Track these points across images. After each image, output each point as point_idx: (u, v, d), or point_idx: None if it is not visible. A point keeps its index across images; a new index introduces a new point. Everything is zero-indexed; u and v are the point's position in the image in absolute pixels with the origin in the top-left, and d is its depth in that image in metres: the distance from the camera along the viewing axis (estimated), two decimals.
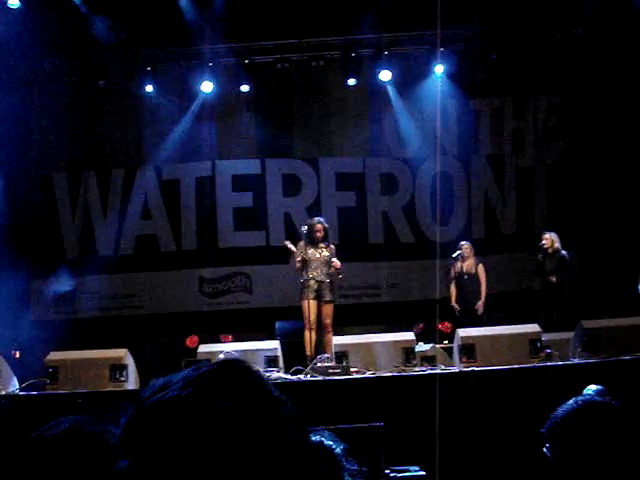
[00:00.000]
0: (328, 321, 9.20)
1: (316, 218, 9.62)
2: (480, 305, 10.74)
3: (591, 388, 5.35)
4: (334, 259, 9.25)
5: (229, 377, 1.00)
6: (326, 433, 1.42)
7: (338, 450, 1.37)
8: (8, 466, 1.59)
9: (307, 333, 9.13)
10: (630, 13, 11.01)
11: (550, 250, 10.46)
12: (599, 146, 12.38)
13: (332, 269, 9.24)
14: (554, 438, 2.01)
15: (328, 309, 9.27)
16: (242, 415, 0.96)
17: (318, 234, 9.26)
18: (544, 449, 2.04)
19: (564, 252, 10.50)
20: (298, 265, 9.29)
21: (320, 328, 9.22)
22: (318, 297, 9.21)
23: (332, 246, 9.48)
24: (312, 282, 9.18)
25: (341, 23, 11.80)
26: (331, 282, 9.33)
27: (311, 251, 9.22)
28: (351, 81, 12.60)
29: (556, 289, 10.41)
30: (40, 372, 7.72)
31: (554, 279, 10.42)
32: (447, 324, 11.82)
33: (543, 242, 10.51)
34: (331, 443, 1.41)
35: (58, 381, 7.44)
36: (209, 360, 7.70)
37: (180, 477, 0.92)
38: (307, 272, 9.20)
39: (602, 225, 12.14)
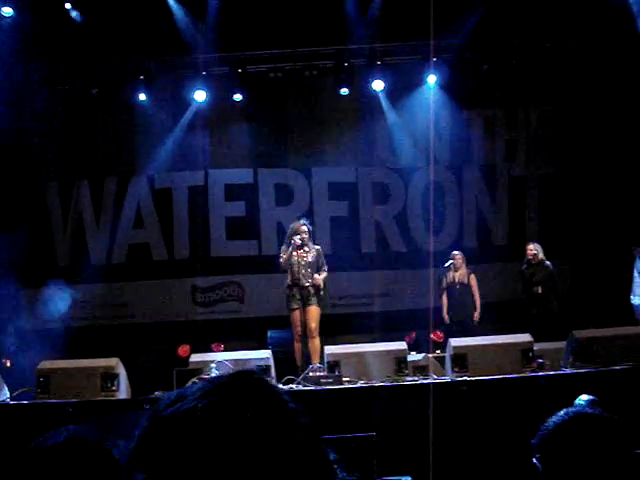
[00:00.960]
0: (314, 325, 8.97)
1: (301, 220, 9.52)
2: (477, 315, 10.76)
3: (582, 398, 5.36)
4: (316, 275, 9.11)
5: (245, 388, 1.00)
6: None
7: None
8: (6, 475, 1.59)
9: (297, 344, 9.07)
10: (621, 24, 11.07)
11: (534, 261, 10.49)
12: (590, 157, 12.43)
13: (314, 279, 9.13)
14: (544, 449, 2.02)
15: (313, 312, 9.05)
16: (261, 425, 0.95)
17: (304, 235, 9.17)
18: (534, 459, 2.05)
19: (548, 262, 10.54)
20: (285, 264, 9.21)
21: (306, 334, 9.09)
22: (304, 304, 9.11)
23: (317, 247, 9.30)
24: (295, 290, 9.09)
25: (334, 33, 11.83)
26: (315, 286, 9.20)
27: (295, 255, 9.12)
28: (344, 91, 12.62)
29: (542, 300, 10.44)
30: (31, 381, 7.69)
31: (540, 290, 10.44)
32: (439, 334, 11.82)
33: (529, 253, 10.54)
34: None
35: (49, 390, 7.41)
36: (200, 369, 7.70)
37: None
38: (290, 278, 9.13)
39: (593, 235, 12.19)
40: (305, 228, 9.21)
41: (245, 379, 1.01)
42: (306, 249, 9.15)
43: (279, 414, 0.98)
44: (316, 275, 9.09)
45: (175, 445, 0.94)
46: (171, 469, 0.93)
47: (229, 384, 0.99)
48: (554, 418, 2.04)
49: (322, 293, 9.22)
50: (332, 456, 1.38)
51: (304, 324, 9.04)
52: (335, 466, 1.09)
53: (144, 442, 0.97)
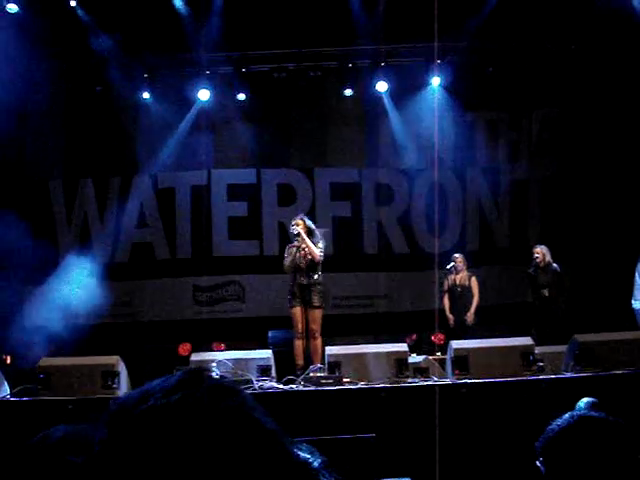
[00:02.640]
0: (315, 327, 8.98)
1: (299, 214, 9.53)
2: (469, 315, 10.74)
3: (584, 401, 5.35)
4: (313, 247, 9.07)
5: (207, 383, 1.01)
6: (304, 445, 1.39)
7: (316, 464, 1.33)
8: (4, 474, 1.59)
9: (297, 342, 9.05)
10: (625, 26, 11.06)
11: (542, 264, 10.46)
12: (594, 160, 12.42)
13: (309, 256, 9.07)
14: (548, 452, 2.01)
15: (315, 314, 9.06)
16: (240, 416, 0.97)
17: (296, 227, 9.16)
18: (537, 462, 2.04)
19: (555, 265, 10.51)
20: (289, 264, 9.15)
21: (307, 335, 9.10)
22: (305, 302, 9.09)
23: (320, 244, 9.23)
24: (296, 289, 9.09)
25: (339, 34, 11.84)
26: (318, 285, 9.16)
27: (298, 255, 9.10)
28: (348, 91, 12.65)
29: (549, 302, 10.41)
30: (32, 378, 7.69)
31: (547, 293, 10.42)
32: (440, 336, 11.82)
33: (535, 256, 10.51)
34: (308, 456, 1.37)
35: (50, 387, 7.41)
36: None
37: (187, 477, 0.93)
38: (292, 277, 9.12)
39: (595, 239, 12.18)
40: (301, 221, 9.19)
41: (199, 374, 1.03)
42: (303, 246, 9.08)
43: (247, 404, 1.00)
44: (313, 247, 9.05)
45: (155, 438, 0.94)
46: (153, 461, 0.93)
47: (188, 381, 1.01)
48: (559, 421, 2.03)
49: (321, 287, 9.18)
50: (318, 460, 1.37)
51: (306, 323, 9.04)
52: (318, 473, 1.10)
53: (118, 440, 0.97)
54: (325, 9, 11.39)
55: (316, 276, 9.12)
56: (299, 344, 9.03)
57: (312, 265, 9.10)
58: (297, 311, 9.06)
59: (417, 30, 11.64)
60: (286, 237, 11.34)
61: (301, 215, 9.45)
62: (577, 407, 5.03)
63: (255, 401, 1.03)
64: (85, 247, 12.70)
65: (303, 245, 9.08)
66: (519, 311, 11.68)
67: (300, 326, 9.03)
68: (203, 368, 1.07)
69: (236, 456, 0.94)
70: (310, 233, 9.19)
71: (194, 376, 1.02)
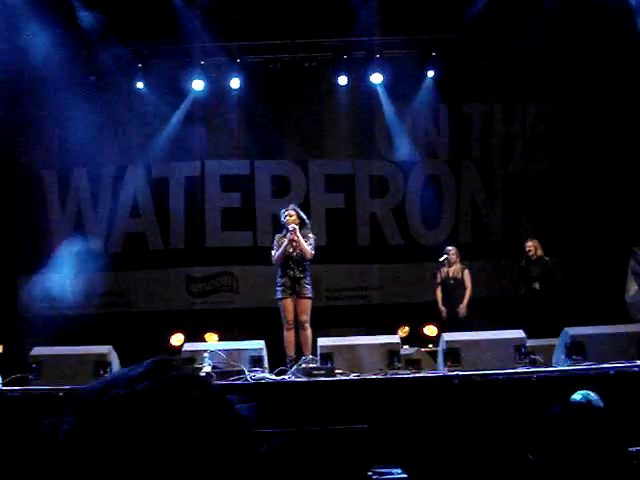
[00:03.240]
0: (304, 317, 8.95)
1: (290, 205, 9.49)
2: (462, 308, 10.75)
3: (580, 392, 5.37)
4: (306, 246, 9.02)
5: (174, 372, 1.02)
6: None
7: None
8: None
9: (287, 333, 9.02)
10: (620, 20, 11.07)
11: (534, 257, 10.50)
12: (587, 154, 12.44)
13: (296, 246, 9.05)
14: (539, 443, 2.02)
15: (306, 305, 9.02)
16: (206, 406, 0.98)
17: (290, 219, 9.12)
18: (529, 455, 2.06)
19: (547, 258, 10.55)
20: (279, 256, 9.11)
21: (297, 325, 9.06)
22: (295, 294, 9.07)
23: (310, 235, 9.16)
24: (286, 280, 9.06)
25: (334, 25, 11.81)
26: (307, 277, 9.09)
27: (289, 247, 9.06)
28: (342, 81, 12.59)
29: (539, 295, 10.45)
30: (24, 367, 7.69)
31: (538, 286, 10.46)
32: (432, 328, 11.85)
33: (528, 249, 10.55)
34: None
35: (41, 377, 7.41)
36: (193, 359, 7.72)
37: (152, 465, 0.93)
38: (282, 269, 9.11)
39: (588, 233, 12.21)
40: (294, 212, 9.15)
41: (164, 365, 1.03)
42: (296, 238, 9.03)
43: (214, 392, 1.01)
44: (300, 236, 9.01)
45: (120, 426, 0.95)
46: (118, 449, 0.94)
47: (154, 370, 1.01)
48: (549, 412, 2.04)
49: (310, 279, 9.16)
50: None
51: (295, 314, 9.02)
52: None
53: (84, 428, 0.97)
54: (320, 0, 11.36)
55: (307, 267, 9.11)
56: (288, 335, 9.01)
57: (303, 257, 9.07)
58: (288, 302, 9.03)
59: (412, 22, 11.63)
60: (279, 228, 11.33)
61: (293, 205, 9.41)
62: (571, 399, 5.05)
63: (223, 391, 1.03)
64: (78, 237, 12.67)
65: (296, 239, 9.01)
66: (511, 304, 11.69)
67: (290, 317, 9.01)
68: (170, 357, 1.07)
69: (201, 445, 0.95)
70: (302, 224, 9.17)
71: (161, 365, 1.03)
